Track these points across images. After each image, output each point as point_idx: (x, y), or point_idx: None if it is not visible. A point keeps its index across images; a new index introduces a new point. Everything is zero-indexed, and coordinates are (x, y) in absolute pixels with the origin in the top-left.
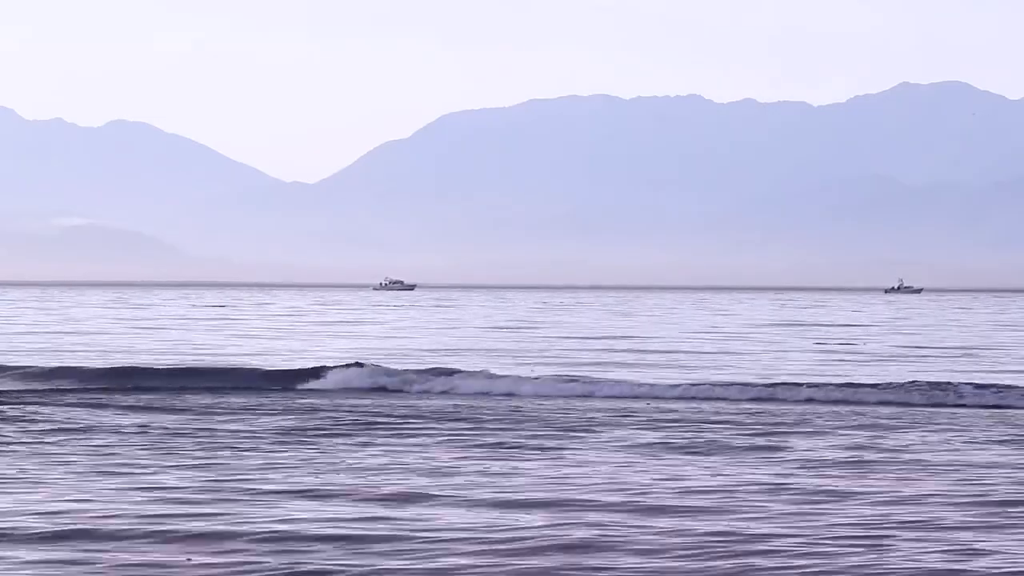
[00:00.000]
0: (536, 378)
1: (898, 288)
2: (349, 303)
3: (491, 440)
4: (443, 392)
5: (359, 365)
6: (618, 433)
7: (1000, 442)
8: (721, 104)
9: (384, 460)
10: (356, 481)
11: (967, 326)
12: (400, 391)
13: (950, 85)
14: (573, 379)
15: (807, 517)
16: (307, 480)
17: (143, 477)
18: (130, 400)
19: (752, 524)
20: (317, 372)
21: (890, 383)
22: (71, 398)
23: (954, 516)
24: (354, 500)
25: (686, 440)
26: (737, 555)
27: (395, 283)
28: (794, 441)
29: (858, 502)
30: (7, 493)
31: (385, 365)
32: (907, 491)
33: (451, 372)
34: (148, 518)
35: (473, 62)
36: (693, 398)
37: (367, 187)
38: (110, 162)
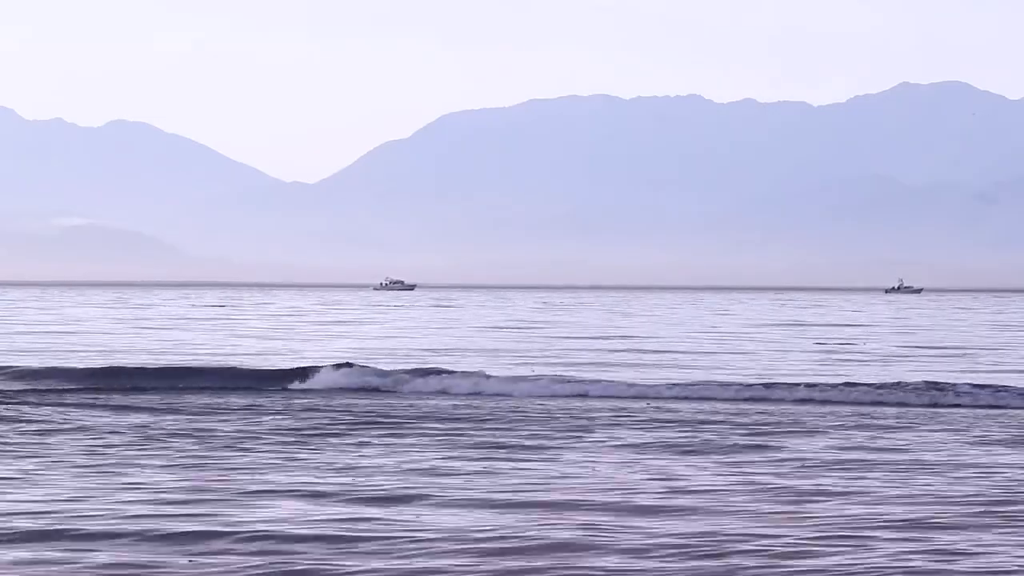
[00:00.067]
0: (537, 378)
1: (898, 288)
2: (349, 303)
3: (482, 440)
4: (434, 392)
5: (348, 365)
6: (612, 433)
7: (995, 442)
8: (721, 104)
9: (372, 460)
10: (344, 481)
11: (967, 326)
12: (391, 391)
13: (950, 85)
14: (568, 379)
15: (795, 517)
16: (295, 480)
17: (131, 477)
18: (119, 400)
19: (739, 524)
20: (307, 372)
21: (885, 383)
22: (61, 398)
23: (942, 516)
24: (342, 500)
25: (679, 440)
26: (722, 555)
27: (395, 283)
28: (788, 441)
29: (847, 502)
30: None
31: (379, 365)
32: (895, 491)
33: (443, 372)
34: (135, 518)
35: (473, 62)
36: (688, 398)
37: (367, 187)
38: (110, 162)
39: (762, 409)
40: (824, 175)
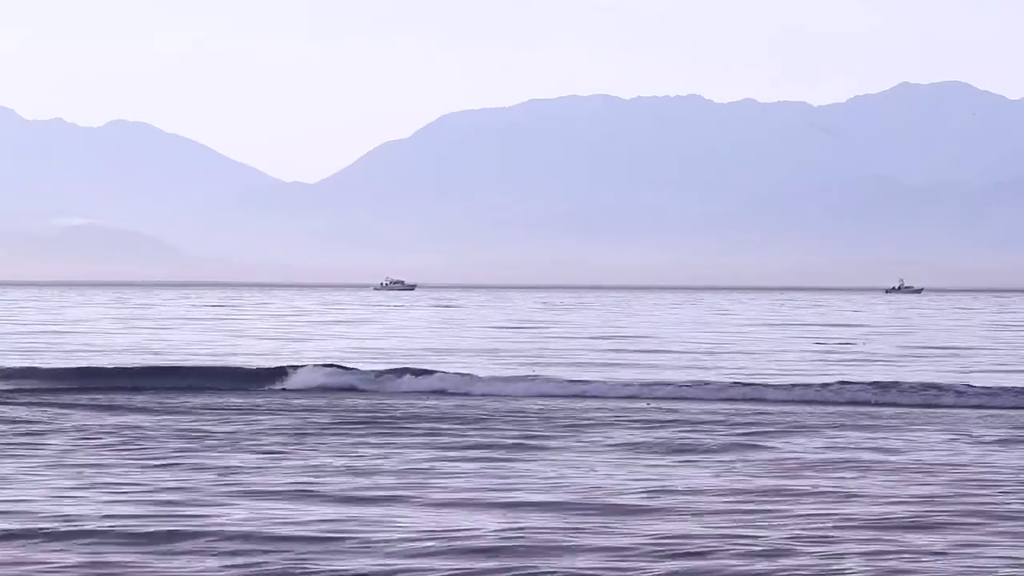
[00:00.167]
0: (525, 378)
1: (899, 288)
2: (349, 303)
3: (465, 440)
4: (417, 392)
5: (330, 365)
6: (601, 433)
7: (988, 443)
8: (721, 104)
9: (351, 461)
10: (323, 480)
11: (967, 326)
12: (373, 391)
13: (950, 85)
14: (557, 379)
15: (776, 517)
16: (273, 480)
17: (107, 476)
18: (99, 399)
19: (720, 524)
20: (288, 372)
21: (881, 383)
22: (39, 397)
23: (925, 516)
24: (320, 500)
25: (669, 440)
26: (701, 555)
27: (396, 283)
28: (779, 441)
29: (831, 501)
30: None
31: (377, 366)
32: (881, 492)
33: (429, 372)
34: (112, 517)
35: (473, 62)
36: (684, 398)
37: (367, 187)
38: (110, 162)
39: (757, 409)
40: (824, 175)
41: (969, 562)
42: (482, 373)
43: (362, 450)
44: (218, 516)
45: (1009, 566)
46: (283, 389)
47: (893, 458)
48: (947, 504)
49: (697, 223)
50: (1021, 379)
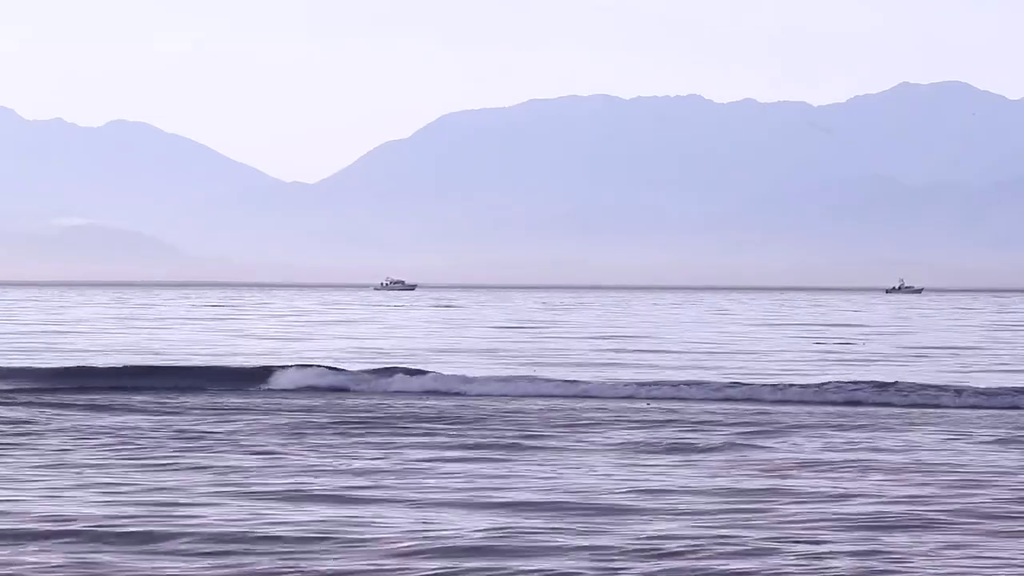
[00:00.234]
0: (533, 378)
1: (899, 288)
2: (348, 303)
3: (460, 441)
4: (410, 392)
5: (320, 366)
6: (599, 433)
7: (982, 443)
8: (721, 104)
9: (341, 461)
10: (314, 481)
11: (967, 327)
12: (364, 391)
13: (950, 85)
14: (552, 380)
15: (761, 516)
16: (262, 480)
17: (94, 476)
18: (83, 399)
19: (704, 524)
20: (271, 372)
21: (879, 382)
22: (12, 398)
23: (909, 517)
24: (311, 500)
25: (662, 440)
26: (682, 555)
27: (396, 283)
28: (772, 442)
29: (817, 501)
30: None
31: (375, 366)
32: (872, 492)
33: (422, 372)
34: (92, 517)
35: (473, 62)
36: (681, 398)
37: (367, 187)
38: (110, 162)
39: (757, 409)
40: (824, 175)
41: (956, 563)
42: (480, 373)
43: (352, 450)
44: (208, 516)
45: (999, 566)
46: (270, 389)
47: (891, 458)
48: (942, 504)
49: (697, 223)
50: (1021, 379)
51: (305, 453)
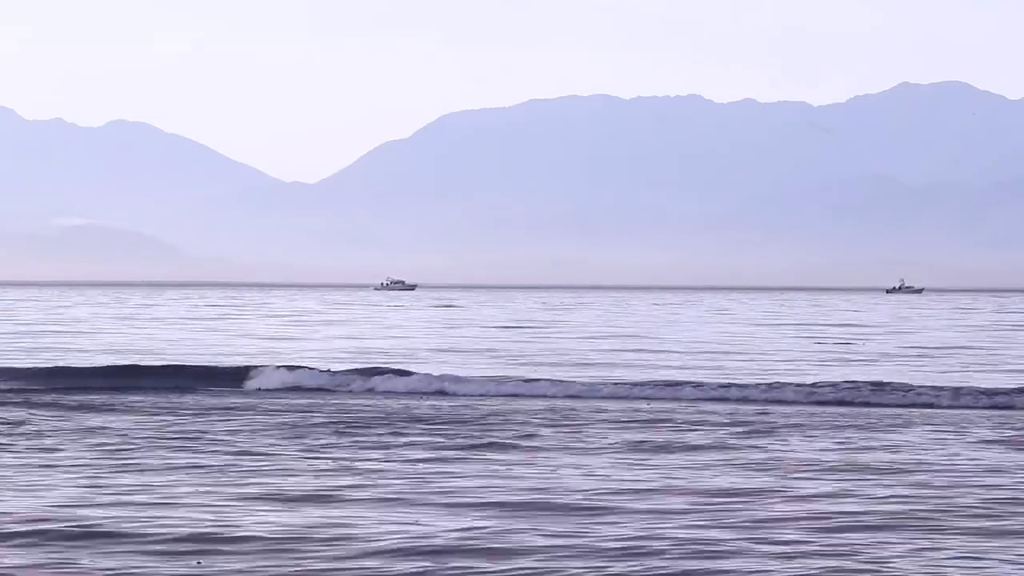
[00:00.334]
0: (529, 380)
1: (899, 288)
2: (348, 303)
3: (430, 441)
4: (389, 392)
5: (303, 366)
6: (596, 433)
7: (978, 443)
8: (721, 104)
9: (315, 460)
10: (285, 480)
11: (967, 327)
12: (347, 391)
13: (950, 85)
14: (537, 380)
15: (738, 517)
16: (229, 481)
17: (70, 475)
18: (64, 399)
19: (682, 525)
20: (259, 372)
21: (876, 382)
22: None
23: (889, 518)
24: (285, 501)
25: (659, 440)
26: (646, 555)
27: (396, 283)
28: (769, 441)
29: (810, 501)
30: None
31: (372, 365)
32: (858, 493)
33: (404, 373)
34: (71, 517)
35: (473, 62)
36: (679, 398)
37: (367, 187)
38: (110, 162)
39: (756, 409)
40: (824, 175)
41: (939, 563)
42: (480, 373)
43: (336, 451)
44: (185, 516)
45: (983, 566)
46: (256, 390)
47: (888, 457)
48: (931, 504)
49: (697, 223)
50: (1021, 379)
51: (287, 453)
